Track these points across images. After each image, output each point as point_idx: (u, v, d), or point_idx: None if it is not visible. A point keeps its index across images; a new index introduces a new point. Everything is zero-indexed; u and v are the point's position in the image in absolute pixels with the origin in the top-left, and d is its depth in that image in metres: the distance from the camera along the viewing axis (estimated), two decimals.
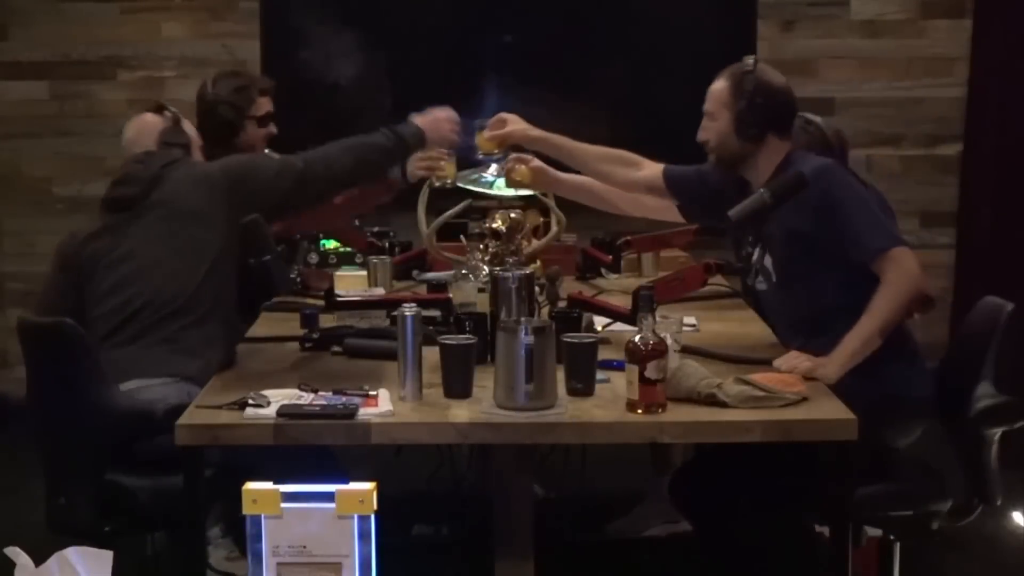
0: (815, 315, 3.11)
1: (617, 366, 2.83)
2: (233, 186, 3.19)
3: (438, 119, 3.45)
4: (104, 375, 2.92)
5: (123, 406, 2.91)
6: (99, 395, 2.90)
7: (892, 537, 3.10)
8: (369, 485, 1.79)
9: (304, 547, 1.78)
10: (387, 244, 4.25)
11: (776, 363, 2.93)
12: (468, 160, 4.18)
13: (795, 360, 2.92)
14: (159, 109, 3.39)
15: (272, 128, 4.04)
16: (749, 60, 3.24)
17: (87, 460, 2.92)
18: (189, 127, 3.41)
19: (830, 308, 3.07)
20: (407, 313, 2.74)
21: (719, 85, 3.26)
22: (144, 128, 3.36)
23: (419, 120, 3.44)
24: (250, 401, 2.66)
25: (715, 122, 3.27)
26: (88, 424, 2.88)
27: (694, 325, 3.49)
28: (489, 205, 4.05)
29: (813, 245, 3.09)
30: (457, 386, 2.75)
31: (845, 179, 3.14)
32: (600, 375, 2.81)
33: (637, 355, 2.61)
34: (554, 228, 3.71)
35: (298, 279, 3.47)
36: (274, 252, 3.18)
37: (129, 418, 2.89)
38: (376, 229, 4.39)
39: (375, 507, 1.78)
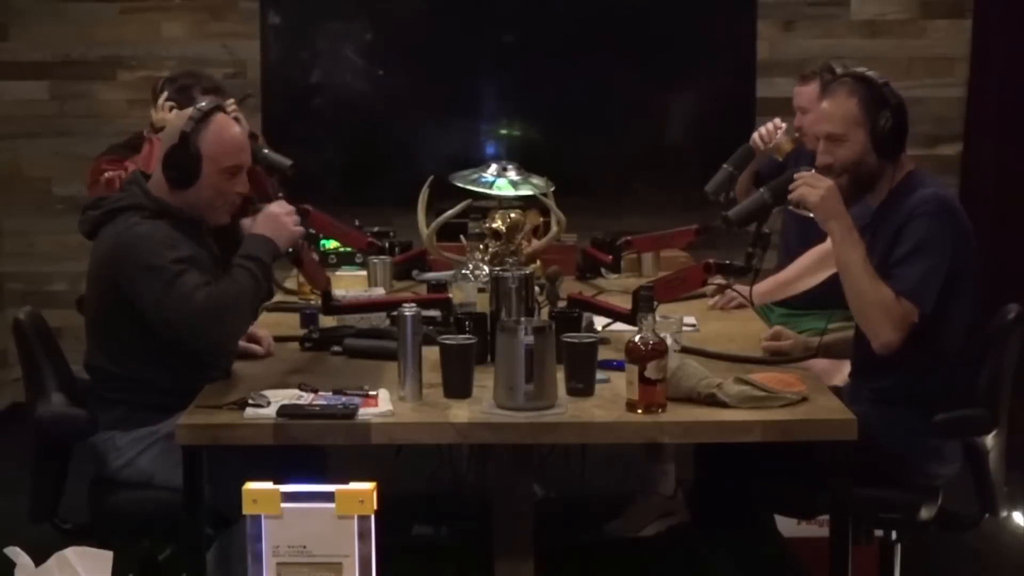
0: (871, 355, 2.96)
1: (617, 366, 2.83)
2: (113, 285, 2.91)
3: (276, 218, 2.97)
4: (42, 374, 2.97)
5: (37, 411, 2.94)
6: (35, 393, 2.95)
7: (893, 537, 3.09)
8: (369, 485, 1.78)
9: (304, 547, 1.78)
10: (387, 244, 4.24)
11: (796, 175, 3.01)
12: (465, 161, 4.21)
13: (812, 178, 2.98)
14: (192, 115, 2.98)
15: None
16: (866, 71, 3.04)
17: (41, 453, 2.99)
18: (216, 147, 2.97)
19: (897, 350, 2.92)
20: (407, 313, 2.74)
21: (844, 102, 3.00)
22: (166, 133, 3.05)
23: (259, 229, 2.97)
24: (250, 401, 2.66)
25: (846, 143, 2.99)
26: (30, 419, 2.96)
27: (694, 325, 3.49)
28: (489, 205, 4.06)
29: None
30: (457, 386, 2.76)
31: (935, 222, 2.91)
32: (600, 375, 2.81)
33: (637, 355, 2.61)
34: (554, 228, 3.71)
35: (290, 250, 3.37)
36: None
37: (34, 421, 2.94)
38: (376, 229, 4.39)
39: (375, 507, 1.78)
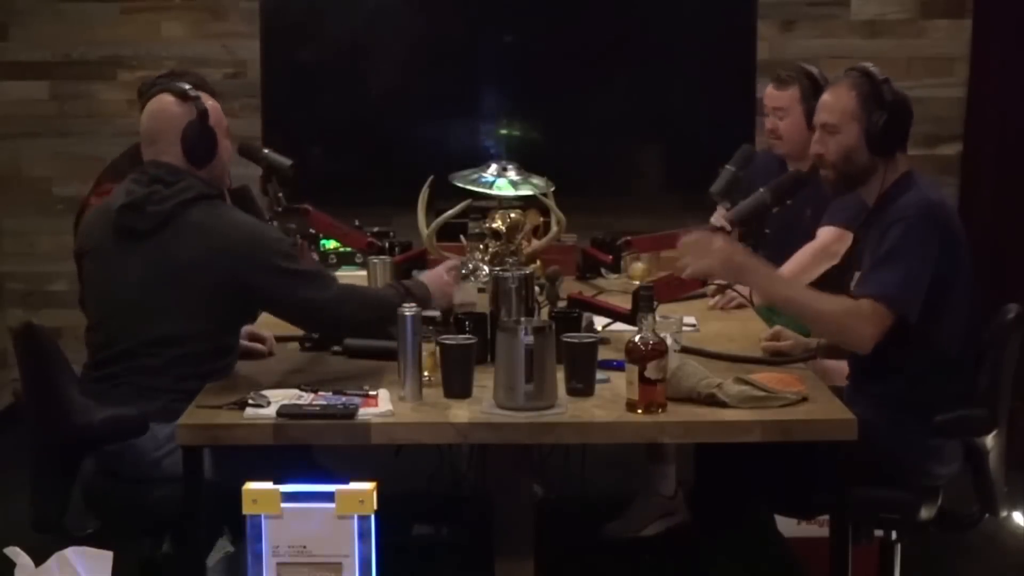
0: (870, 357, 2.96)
1: (617, 366, 2.83)
2: (236, 277, 2.94)
3: (441, 279, 3.27)
4: (66, 379, 2.91)
5: (75, 417, 2.88)
6: (60, 398, 2.89)
7: (893, 537, 3.09)
8: (369, 485, 1.79)
9: (304, 547, 1.78)
10: (387, 244, 4.24)
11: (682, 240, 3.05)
12: (465, 161, 4.21)
13: (695, 246, 3.02)
14: (183, 96, 3.05)
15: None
16: (870, 67, 3.06)
17: (50, 461, 2.93)
18: (215, 115, 3.09)
19: (880, 354, 2.93)
20: (407, 313, 2.74)
21: (844, 95, 3.03)
22: (166, 121, 3.04)
23: (425, 278, 3.27)
24: (250, 401, 2.66)
25: (838, 135, 3.02)
26: (49, 427, 2.90)
27: (694, 325, 3.49)
28: (489, 205, 4.05)
29: None
30: (457, 386, 2.76)
31: (912, 230, 2.90)
32: (600, 375, 2.81)
33: (637, 355, 2.61)
34: (554, 228, 3.71)
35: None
36: (263, 219, 3.19)
37: (79, 428, 2.88)
38: (376, 229, 4.39)
39: (375, 507, 1.78)
